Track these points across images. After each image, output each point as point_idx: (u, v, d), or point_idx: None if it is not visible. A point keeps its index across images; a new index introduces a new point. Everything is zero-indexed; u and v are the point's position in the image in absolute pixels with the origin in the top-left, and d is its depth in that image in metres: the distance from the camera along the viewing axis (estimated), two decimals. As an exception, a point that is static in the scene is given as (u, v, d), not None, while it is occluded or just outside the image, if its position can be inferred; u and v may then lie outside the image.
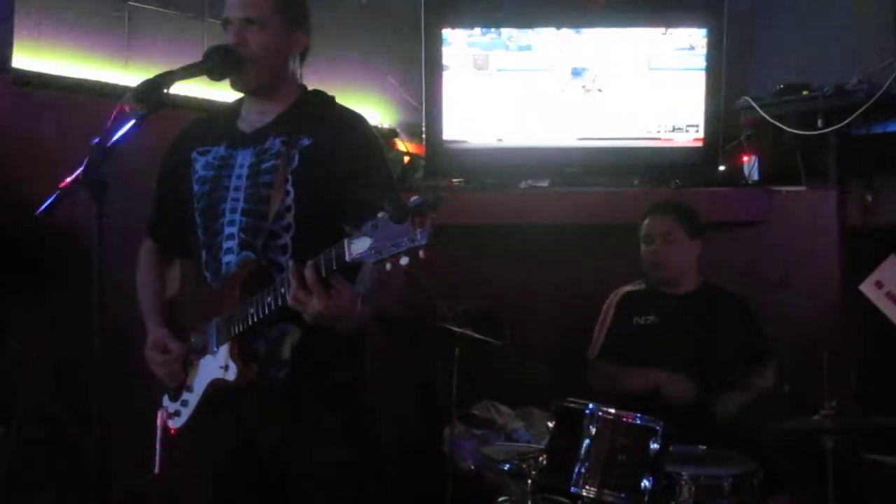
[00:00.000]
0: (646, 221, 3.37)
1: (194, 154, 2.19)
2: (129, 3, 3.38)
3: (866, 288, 3.69)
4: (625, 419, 2.61)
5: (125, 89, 2.07)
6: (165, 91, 1.94)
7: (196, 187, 2.16)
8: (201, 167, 2.17)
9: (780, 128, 3.84)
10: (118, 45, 3.34)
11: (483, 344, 3.37)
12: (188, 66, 2.04)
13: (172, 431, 2.19)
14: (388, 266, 1.65)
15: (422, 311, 3.48)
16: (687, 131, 4.01)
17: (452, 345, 3.35)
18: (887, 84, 3.57)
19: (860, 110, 3.60)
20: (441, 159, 4.03)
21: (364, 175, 2.07)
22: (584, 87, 3.99)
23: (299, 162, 2.07)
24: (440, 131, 3.98)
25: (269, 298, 1.91)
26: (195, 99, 3.20)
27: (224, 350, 2.03)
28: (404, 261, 1.63)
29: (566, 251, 3.95)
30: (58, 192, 1.80)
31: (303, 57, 2.23)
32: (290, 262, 1.86)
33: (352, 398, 2.15)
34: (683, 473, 2.68)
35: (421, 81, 3.99)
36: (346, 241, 1.70)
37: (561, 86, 3.99)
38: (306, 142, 2.09)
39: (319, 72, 2.38)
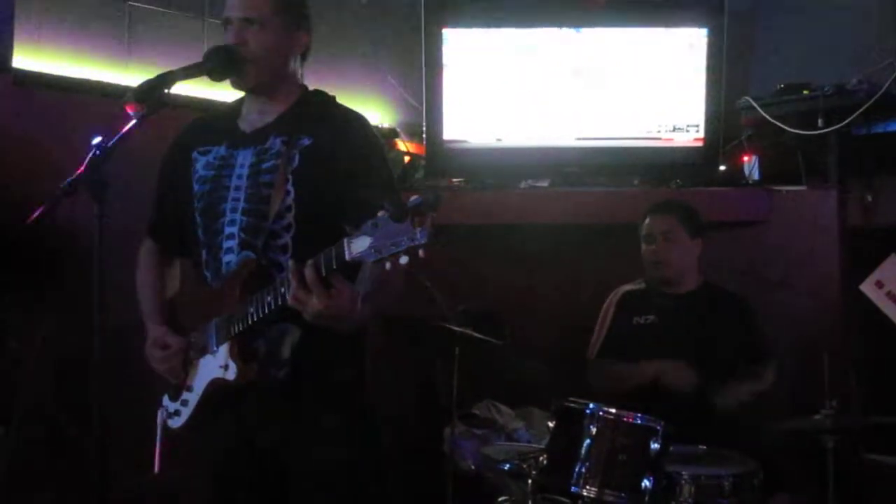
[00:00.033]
0: (646, 221, 3.37)
1: (195, 154, 2.19)
2: (129, 3, 3.39)
3: (867, 288, 3.69)
4: (625, 419, 2.61)
5: (125, 89, 2.07)
6: (166, 91, 1.94)
7: (196, 187, 2.16)
8: (202, 167, 2.17)
9: (781, 127, 3.84)
10: (118, 45, 3.35)
11: (483, 344, 3.37)
12: (189, 67, 2.04)
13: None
14: (388, 265, 1.65)
15: (422, 311, 3.49)
16: (687, 131, 4.01)
17: (452, 345, 3.36)
18: (888, 84, 3.57)
19: (860, 110, 3.60)
20: (441, 159, 4.03)
21: (364, 175, 2.07)
22: (584, 86, 3.99)
23: (300, 162, 2.07)
24: (440, 131, 3.98)
25: (269, 298, 1.91)
26: (195, 99, 3.20)
27: (224, 349, 2.03)
28: (404, 260, 1.63)
29: (566, 251, 3.95)
30: (49, 201, 1.79)
31: (304, 57, 2.22)
32: (290, 262, 1.86)
33: (352, 398, 2.15)
34: (684, 473, 2.68)
35: (421, 81, 3.99)
36: (345, 240, 1.70)
37: (561, 85, 3.99)
38: (307, 142, 2.09)
39: (320, 72, 2.38)
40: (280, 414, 2.07)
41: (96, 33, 3.31)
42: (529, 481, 2.81)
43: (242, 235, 2.07)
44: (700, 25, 3.97)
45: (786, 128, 3.83)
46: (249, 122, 2.20)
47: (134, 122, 1.86)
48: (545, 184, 4.03)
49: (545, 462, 2.73)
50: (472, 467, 3.47)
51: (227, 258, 2.09)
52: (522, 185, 4.03)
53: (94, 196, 1.75)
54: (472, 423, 3.68)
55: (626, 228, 3.45)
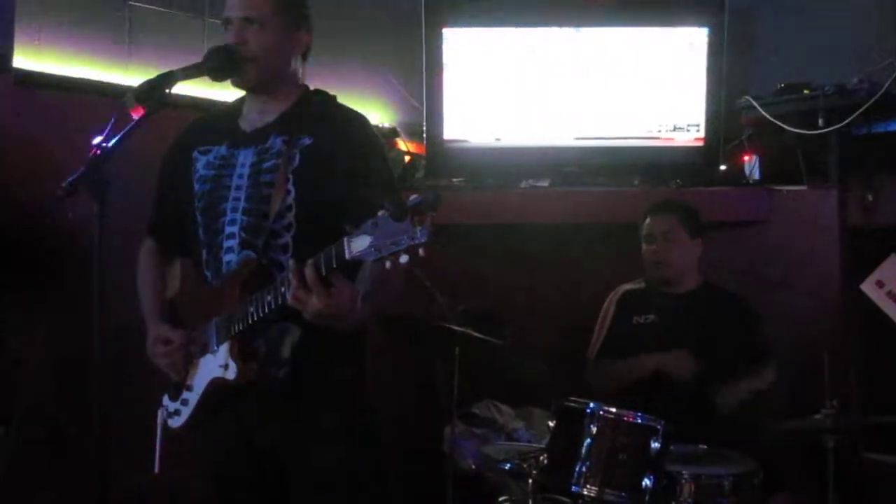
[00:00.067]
0: (647, 221, 3.37)
1: (195, 153, 2.20)
2: (129, 3, 3.38)
3: (867, 287, 3.68)
4: (626, 418, 2.61)
5: (125, 89, 2.06)
6: (166, 91, 1.94)
7: (197, 186, 2.16)
8: (202, 166, 2.17)
9: (781, 127, 3.84)
10: (118, 45, 3.35)
11: (483, 344, 3.37)
12: (189, 67, 2.04)
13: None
14: (388, 264, 1.65)
15: (422, 311, 3.49)
16: (688, 131, 4.00)
17: (452, 344, 3.35)
18: (888, 83, 3.57)
19: (861, 109, 3.60)
20: (442, 159, 4.03)
21: (365, 175, 2.07)
22: (584, 86, 3.99)
23: (300, 161, 2.08)
24: (441, 131, 3.98)
25: (269, 297, 1.91)
26: (196, 99, 3.19)
27: (224, 349, 2.03)
28: (404, 259, 1.63)
29: (566, 251, 3.95)
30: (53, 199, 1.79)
31: (304, 56, 2.23)
32: (291, 261, 1.86)
33: (351, 397, 2.15)
34: (684, 472, 2.68)
35: (421, 81, 3.98)
36: (345, 239, 1.70)
37: (561, 85, 3.99)
38: (307, 141, 2.09)
39: (320, 72, 2.38)
40: (280, 413, 2.07)
41: (96, 33, 3.31)
42: (530, 481, 2.81)
43: (243, 235, 2.07)
44: (700, 25, 3.97)
45: (786, 127, 3.83)
46: (250, 121, 2.20)
47: (134, 122, 1.86)
48: (545, 184, 4.02)
49: (545, 461, 2.73)
50: (473, 467, 3.47)
51: (227, 258, 2.09)
52: (522, 184, 4.02)
53: (95, 196, 1.75)
54: (472, 423, 3.68)
55: (626, 228, 3.45)
